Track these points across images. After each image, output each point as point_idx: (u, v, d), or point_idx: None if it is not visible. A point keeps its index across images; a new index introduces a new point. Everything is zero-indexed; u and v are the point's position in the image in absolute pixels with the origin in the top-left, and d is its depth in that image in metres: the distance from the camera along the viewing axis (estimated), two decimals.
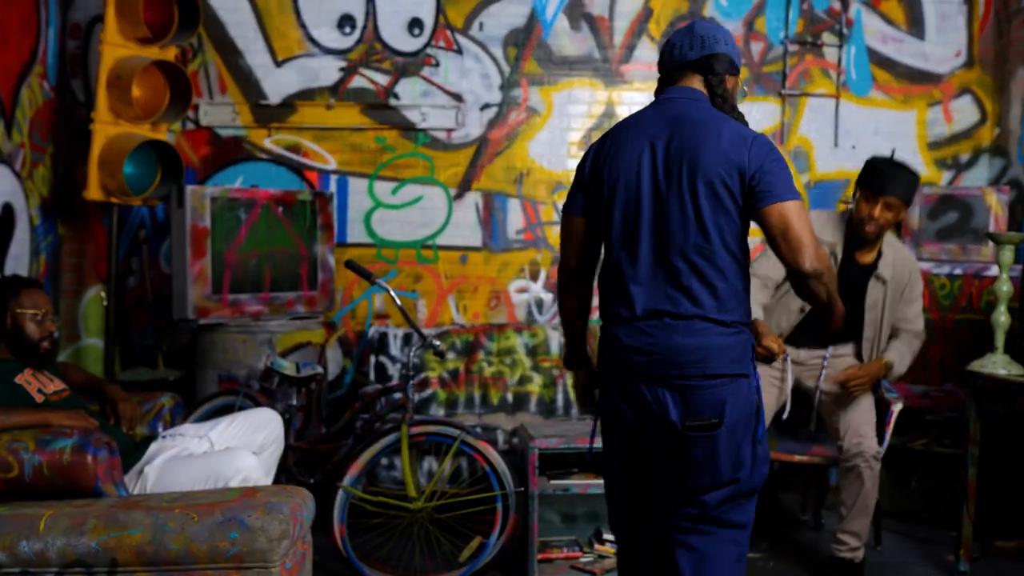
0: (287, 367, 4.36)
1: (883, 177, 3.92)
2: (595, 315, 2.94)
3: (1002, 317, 4.04)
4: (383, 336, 5.13)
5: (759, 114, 5.50)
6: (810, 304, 2.67)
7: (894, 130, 5.57)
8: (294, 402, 4.35)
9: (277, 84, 5.40)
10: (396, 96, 5.44)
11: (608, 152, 2.75)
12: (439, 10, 5.43)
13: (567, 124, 5.52)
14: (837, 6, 5.55)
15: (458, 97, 5.46)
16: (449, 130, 5.46)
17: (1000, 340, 4.05)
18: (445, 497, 4.20)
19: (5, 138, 4.45)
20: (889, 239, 4.12)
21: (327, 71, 5.42)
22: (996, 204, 5.08)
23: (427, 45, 5.45)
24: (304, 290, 5.05)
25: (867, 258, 4.09)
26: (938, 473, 4.83)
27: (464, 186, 5.49)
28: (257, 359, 4.63)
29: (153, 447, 3.50)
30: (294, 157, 5.42)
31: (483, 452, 4.08)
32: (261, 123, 5.39)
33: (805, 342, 4.19)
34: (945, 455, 4.80)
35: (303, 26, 5.40)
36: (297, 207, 5.02)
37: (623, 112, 5.49)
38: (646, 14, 5.51)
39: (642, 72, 5.51)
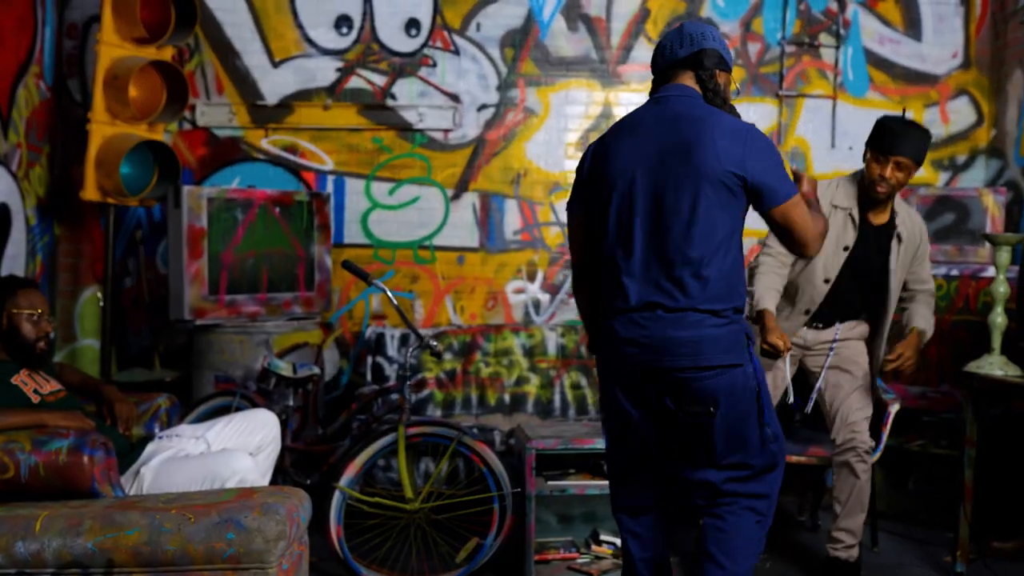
0: (284, 368, 4.36)
1: (893, 136, 3.83)
2: None
3: (999, 318, 4.04)
4: (380, 337, 5.13)
5: (756, 115, 5.50)
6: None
7: None
8: (291, 403, 4.35)
9: (274, 84, 5.40)
10: (393, 97, 5.44)
11: (606, 150, 2.85)
12: (436, 11, 5.43)
13: (564, 125, 5.52)
14: (834, 7, 5.56)
15: (455, 98, 5.46)
16: (446, 131, 5.46)
17: (997, 341, 4.05)
18: (442, 498, 4.19)
19: (1, 138, 4.45)
20: (896, 198, 4.06)
21: (324, 72, 5.42)
22: (993, 205, 5.08)
23: (424, 46, 5.45)
24: (301, 291, 5.04)
25: (881, 219, 4.01)
26: (935, 474, 4.84)
27: (461, 187, 5.48)
28: (254, 360, 4.62)
29: (150, 448, 3.50)
30: (291, 158, 5.42)
31: (480, 453, 4.08)
32: (258, 123, 5.39)
33: (818, 319, 4.09)
34: (942, 456, 4.80)
35: (300, 26, 5.40)
36: (294, 208, 5.02)
37: (620, 113, 5.49)
38: (643, 15, 5.51)
39: (639, 73, 5.51)
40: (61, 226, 5.11)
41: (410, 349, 4.15)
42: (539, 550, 4.27)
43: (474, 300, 5.50)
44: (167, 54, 4.86)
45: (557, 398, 5.14)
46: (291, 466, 4.26)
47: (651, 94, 2.94)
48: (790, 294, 4.05)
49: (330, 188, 5.41)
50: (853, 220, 3.96)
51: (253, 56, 5.38)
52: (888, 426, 4.20)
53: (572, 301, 5.48)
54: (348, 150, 5.43)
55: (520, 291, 5.53)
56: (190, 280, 4.63)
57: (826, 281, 3.99)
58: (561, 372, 5.17)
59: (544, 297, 5.53)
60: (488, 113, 5.48)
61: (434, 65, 5.45)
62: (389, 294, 4.11)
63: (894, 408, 4.22)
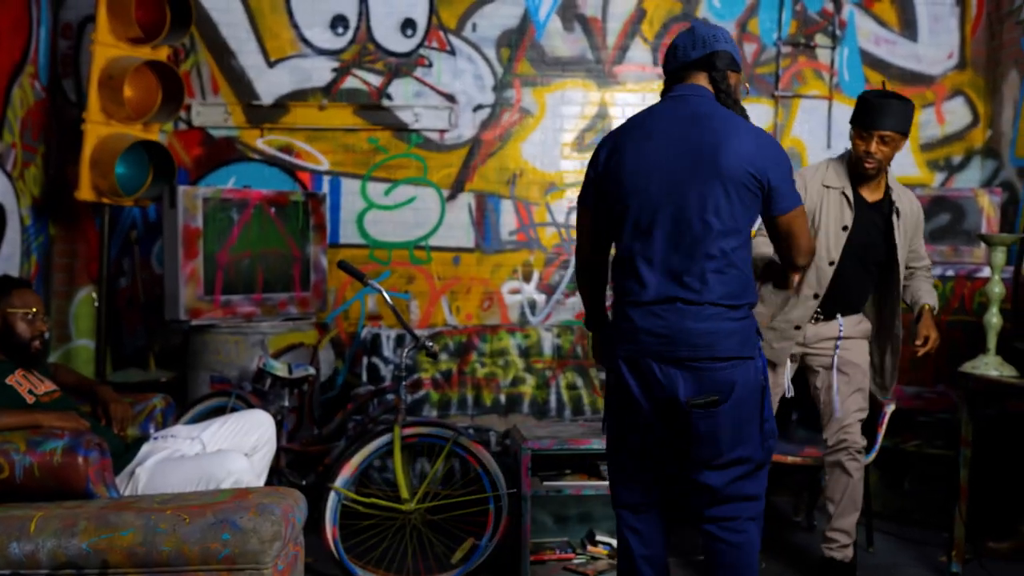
0: (279, 368, 4.35)
1: (874, 111, 3.80)
2: None
3: (994, 319, 4.05)
4: (376, 337, 5.13)
5: (752, 116, 5.45)
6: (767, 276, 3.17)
7: None
8: (286, 403, 4.34)
9: (270, 84, 5.39)
10: (389, 97, 5.43)
11: (623, 146, 2.89)
12: (432, 11, 5.43)
13: (560, 125, 5.52)
14: (830, 8, 5.56)
15: (451, 98, 5.46)
16: (442, 131, 5.46)
17: (992, 342, 4.05)
18: (438, 499, 4.19)
19: None
20: (889, 175, 4.03)
21: (320, 72, 5.41)
22: (988, 206, 5.08)
23: (420, 46, 5.44)
24: (296, 291, 5.04)
25: (875, 196, 3.98)
26: (930, 474, 4.84)
27: (457, 187, 5.48)
28: (249, 360, 4.62)
29: (145, 448, 3.49)
30: (286, 158, 5.41)
31: (476, 453, 4.08)
32: (253, 124, 5.38)
33: (819, 308, 4.00)
34: (937, 456, 4.81)
35: (296, 26, 5.39)
36: (290, 208, 5.01)
37: (616, 113, 5.49)
38: (639, 15, 5.51)
39: (635, 73, 5.51)
40: (56, 226, 5.10)
41: (406, 350, 4.14)
42: (535, 551, 4.28)
43: (470, 301, 5.50)
44: (162, 54, 4.86)
45: (553, 398, 5.14)
46: (287, 467, 4.26)
47: (663, 94, 3.01)
48: None
49: (326, 188, 5.40)
50: (848, 199, 3.92)
51: (248, 56, 5.37)
52: (884, 426, 4.21)
53: (568, 301, 5.48)
54: (344, 150, 5.43)
55: (516, 291, 5.52)
56: (185, 280, 4.62)
57: (831, 263, 3.92)
58: (557, 372, 5.17)
59: (540, 298, 5.53)
60: (484, 113, 5.47)
61: (430, 65, 5.45)
62: (385, 294, 4.11)
63: (890, 408, 4.23)
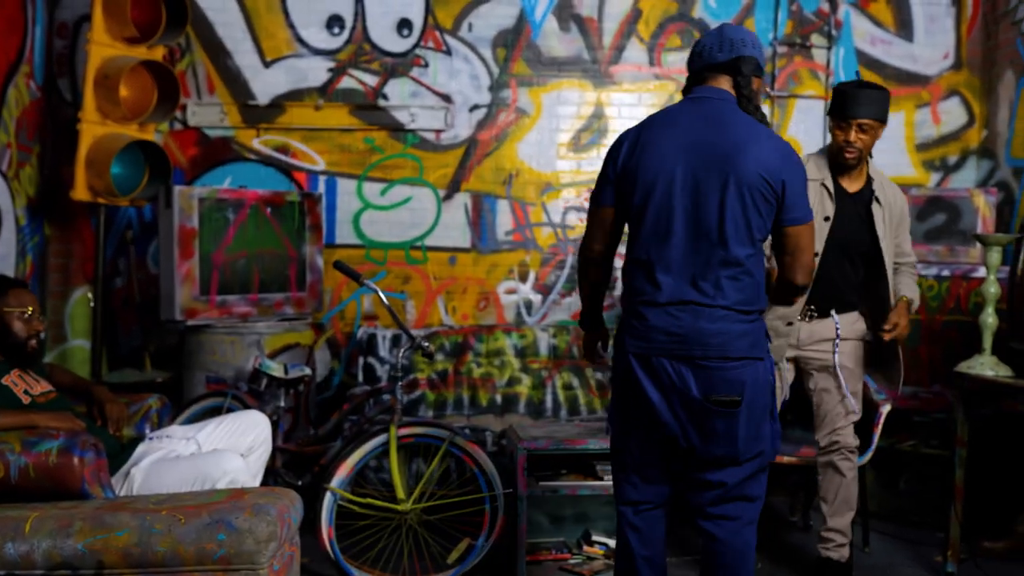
0: (275, 368, 4.35)
1: (850, 100, 3.84)
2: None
3: (990, 319, 4.05)
4: (372, 337, 5.12)
5: None
6: (776, 296, 3.03)
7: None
8: (282, 404, 4.34)
9: (265, 84, 5.39)
10: (385, 97, 5.43)
11: (642, 145, 2.88)
12: (428, 11, 5.43)
13: (556, 125, 5.52)
14: (826, 8, 5.57)
15: (447, 98, 5.46)
16: (438, 131, 5.46)
17: (988, 341, 4.06)
18: (434, 499, 4.18)
19: None
20: (873, 167, 4.04)
21: (316, 72, 5.41)
22: (984, 206, 5.09)
23: (416, 46, 5.44)
24: (292, 291, 5.03)
25: (856, 185, 3.98)
26: (926, 474, 4.84)
27: (453, 187, 5.48)
28: (245, 360, 4.62)
29: (140, 449, 3.49)
30: (282, 158, 5.41)
31: (472, 454, 4.08)
32: (249, 124, 5.38)
33: (811, 303, 3.98)
34: (933, 456, 4.81)
35: (292, 26, 5.39)
36: (285, 208, 5.01)
37: (612, 113, 5.50)
38: (635, 15, 5.51)
39: (631, 73, 5.51)
40: (51, 226, 5.09)
41: (402, 350, 4.14)
42: (531, 551, 4.27)
43: (466, 301, 5.50)
44: (158, 54, 4.85)
45: (549, 399, 5.13)
46: (282, 467, 4.25)
47: (685, 92, 3.02)
48: None
49: (322, 188, 5.40)
50: (828, 190, 3.92)
51: (244, 56, 5.37)
52: (879, 426, 4.21)
53: (564, 301, 5.49)
54: (340, 150, 5.43)
55: (512, 292, 5.52)
56: (181, 280, 4.62)
57: (815, 255, 3.91)
58: (553, 373, 5.16)
59: (536, 298, 5.53)
60: (480, 113, 5.47)
61: (426, 65, 5.45)
62: (381, 295, 4.11)
63: (885, 409, 4.23)
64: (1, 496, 2.92)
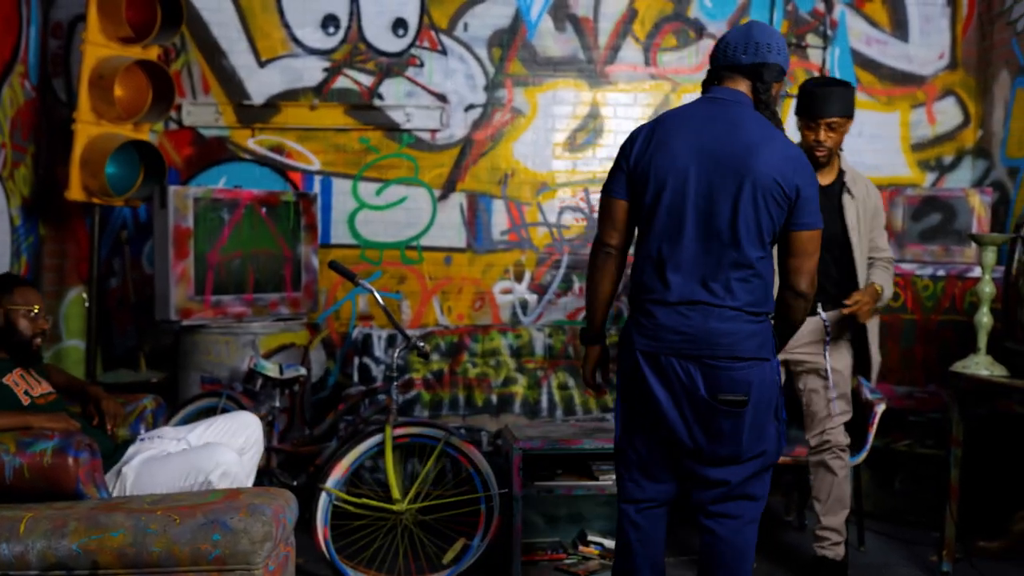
0: (270, 369, 4.34)
1: (817, 100, 3.86)
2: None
3: (985, 318, 4.06)
4: (367, 337, 5.12)
5: None
6: (782, 314, 2.96)
7: (877, 132, 5.58)
8: (277, 404, 4.34)
9: (260, 84, 5.38)
10: (380, 97, 5.43)
11: (657, 142, 2.87)
12: (423, 10, 5.42)
13: (552, 125, 5.52)
14: (821, 8, 5.57)
15: (442, 98, 5.45)
16: (433, 131, 5.45)
17: (983, 341, 4.06)
18: (429, 499, 4.18)
19: None
20: (845, 162, 4.06)
21: (311, 71, 5.40)
22: (979, 206, 5.10)
23: (411, 45, 5.44)
24: (287, 291, 5.03)
25: (828, 179, 3.99)
26: (921, 474, 4.85)
27: (448, 187, 5.48)
28: (240, 361, 4.61)
29: (131, 449, 3.48)
30: (277, 158, 5.40)
31: (467, 454, 4.08)
32: (244, 123, 5.37)
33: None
34: (928, 456, 4.82)
35: (287, 26, 5.38)
36: (281, 208, 5.00)
37: (608, 113, 5.49)
38: (631, 15, 5.51)
39: (627, 73, 5.51)
40: (46, 226, 5.08)
41: (397, 350, 4.14)
42: (526, 551, 4.27)
43: (461, 301, 5.49)
44: (153, 53, 4.84)
45: (544, 399, 5.14)
46: (278, 467, 4.25)
47: (704, 86, 3.00)
48: None
49: (317, 188, 5.39)
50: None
51: (239, 56, 5.36)
52: (874, 426, 4.21)
53: (560, 301, 5.49)
54: (335, 150, 5.42)
55: (507, 292, 5.52)
56: (176, 280, 4.61)
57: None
58: (548, 373, 5.17)
59: (531, 298, 5.52)
60: (475, 113, 5.47)
61: (421, 65, 5.45)
62: (376, 295, 4.10)
63: (880, 408, 4.23)
64: None
